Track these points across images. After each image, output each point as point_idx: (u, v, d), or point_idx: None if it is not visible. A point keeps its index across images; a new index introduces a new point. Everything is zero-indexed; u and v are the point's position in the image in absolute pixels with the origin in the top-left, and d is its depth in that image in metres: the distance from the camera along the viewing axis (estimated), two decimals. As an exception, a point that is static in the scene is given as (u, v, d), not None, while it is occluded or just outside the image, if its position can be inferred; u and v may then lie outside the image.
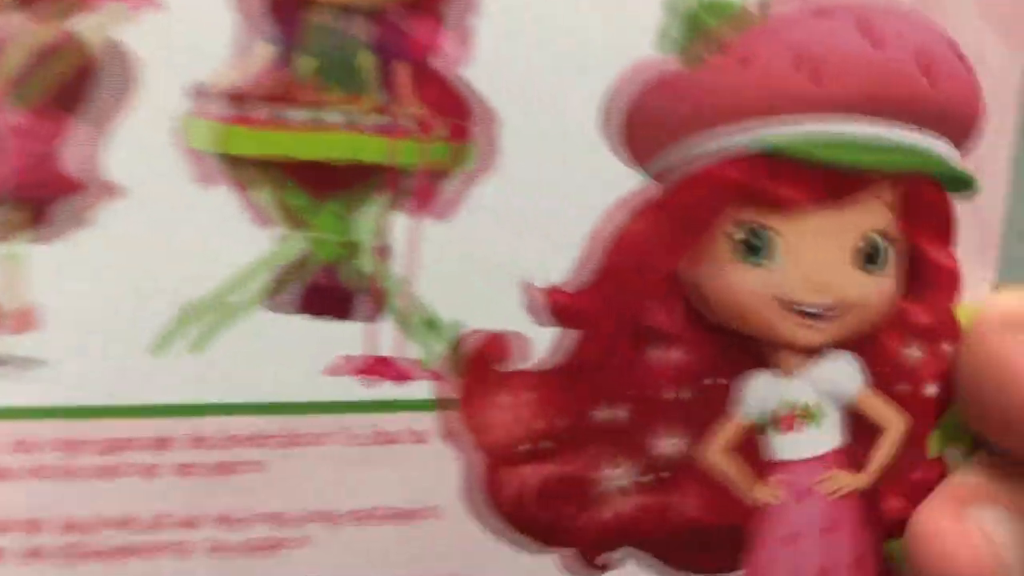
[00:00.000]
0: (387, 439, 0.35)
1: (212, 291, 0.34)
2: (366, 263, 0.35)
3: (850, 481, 0.36)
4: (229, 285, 0.34)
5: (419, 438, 0.35)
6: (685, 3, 0.34)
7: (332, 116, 0.34)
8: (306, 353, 0.34)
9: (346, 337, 0.35)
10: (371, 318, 0.35)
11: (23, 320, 0.33)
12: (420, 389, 0.35)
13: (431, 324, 0.35)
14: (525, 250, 0.35)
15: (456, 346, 0.35)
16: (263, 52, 0.33)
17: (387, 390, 0.35)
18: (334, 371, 0.34)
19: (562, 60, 0.34)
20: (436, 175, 0.34)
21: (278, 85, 0.34)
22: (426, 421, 0.35)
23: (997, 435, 0.35)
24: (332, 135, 0.33)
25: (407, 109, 0.34)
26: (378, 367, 0.35)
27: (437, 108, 0.34)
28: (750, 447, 0.36)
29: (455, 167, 0.34)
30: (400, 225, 0.34)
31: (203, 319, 0.34)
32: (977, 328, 0.36)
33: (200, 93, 0.33)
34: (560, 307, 0.34)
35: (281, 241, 0.34)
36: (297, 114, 0.33)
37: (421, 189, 0.34)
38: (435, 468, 0.35)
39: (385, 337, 0.35)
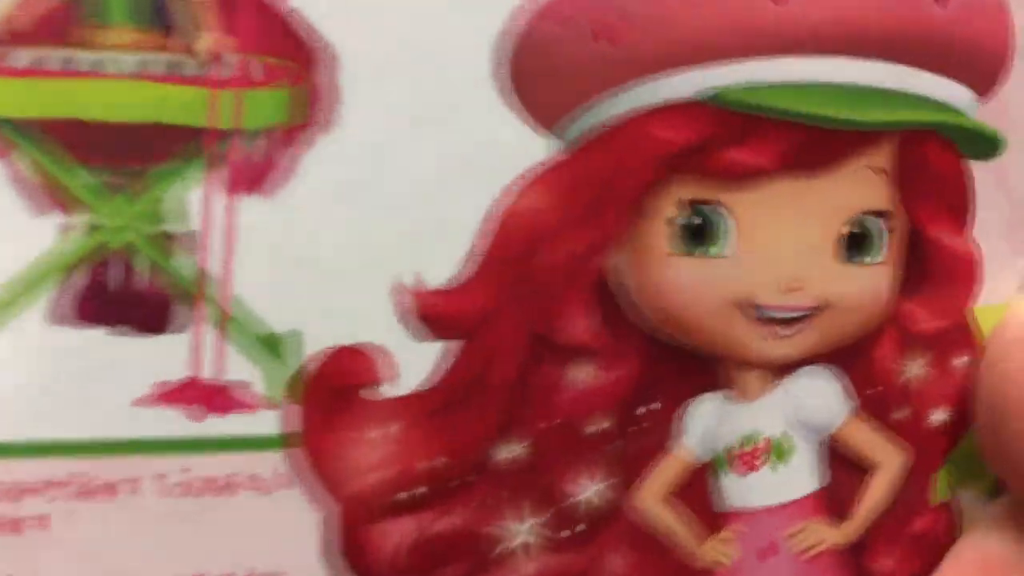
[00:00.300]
0: (219, 487, 0.26)
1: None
2: (171, 258, 0.25)
3: (830, 534, 0.27)
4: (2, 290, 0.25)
5: (261, 485, 0.26)
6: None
7: (119, 61, 0.24)
8: (109, 378, 0.25)
9: (162, 357, 0.25)
10: (193, 331, 0.25)
11: None
12: (263, 423, 0.26)
13: (265, 338, 0.25)
14: (386, 237, 0.25)
15: (279, 366, 0.25)
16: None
17: (219, 425, 0.26)
18: (146, 401, 0.25)
19: None
20: (256, 137, 0.24)
21: (49, 21, 0.24)
22: (270, 463, 0.26)
23: (1020, 484, 0.26)
24: (118, 85, 0.24)
25: (212, 48, 0.24)
26: (205, 395, 0.26)
27: (253, 45, 0.24)
28: (697, 492, 0.27)
29: (278, 124, 0.24)
30: (211, 206, 0.25)
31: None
32: (1002, 338, 0.26)
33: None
34: (431, 312, 0.25)
35: (65, 232, 0.25)
36: (73, 58, 0.24)
37: (237, 156, 0.25)
38: (283, 522, 0.26)
39: (214, 356, 0.26)
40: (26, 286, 0.25)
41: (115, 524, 0.26)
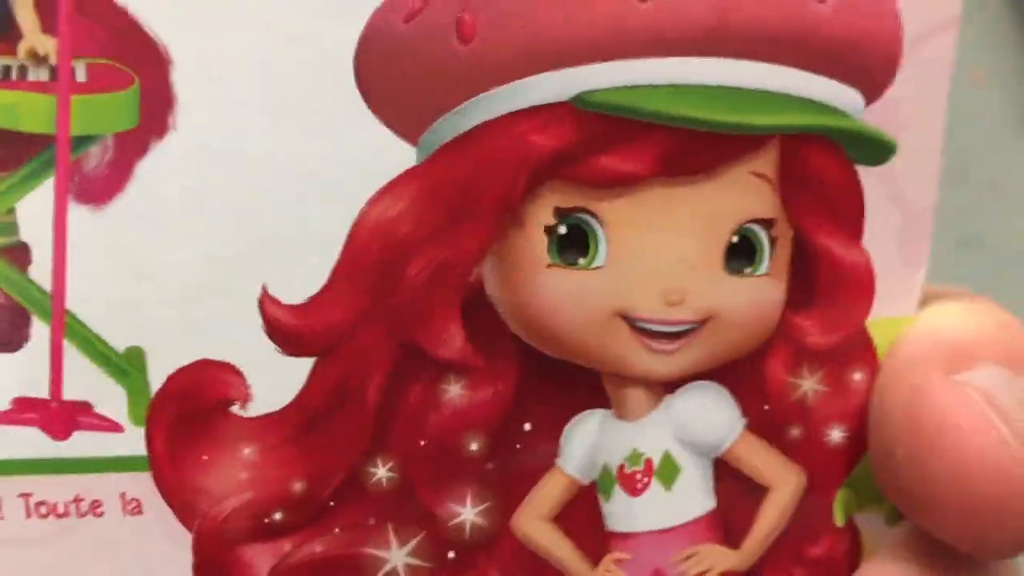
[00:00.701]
0: (87, 509, 0.24)
1: None
2: (22, 272, 0.23)
3: (722, 559, 0.25)
4: None
5: (132, 507, 0.24)
6: None
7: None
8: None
9: (19, 374, 0.24)
10: (50, 348, 0.24)
11: None
12: (129, 442, 0.24)
13: (118, 356, 0.23)
14: (233, 249, 0.23)
15: (137, 383, 0.23)
16: None
17: (84, 444, 0.24)
18: (7, 419, 0.23)
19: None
20: (83, 143, 0.23)
21: None
22: (139, 484, 0.24)
23: (912, 512, 0.23)
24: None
25: (30, 47, 0.22)
26: (63, 414, 0.24)
27: (74, 44, 0.22)
28: (581, 514, 0.24)
29: (108, 130, 0.22)
30: (38, 215, 0.23)
31: None
32: (898, 359, 0.24)
33: None
34: (282, 328, 0.23)
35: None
36: None
37: (63, 164, 0.23)
38: (154, 546, 0.24)
39: (72, 374, 0.24)
40: None
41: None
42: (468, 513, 0.25)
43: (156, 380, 0.24)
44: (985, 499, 0.23)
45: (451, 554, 0.25)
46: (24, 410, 0.24)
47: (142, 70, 0.22)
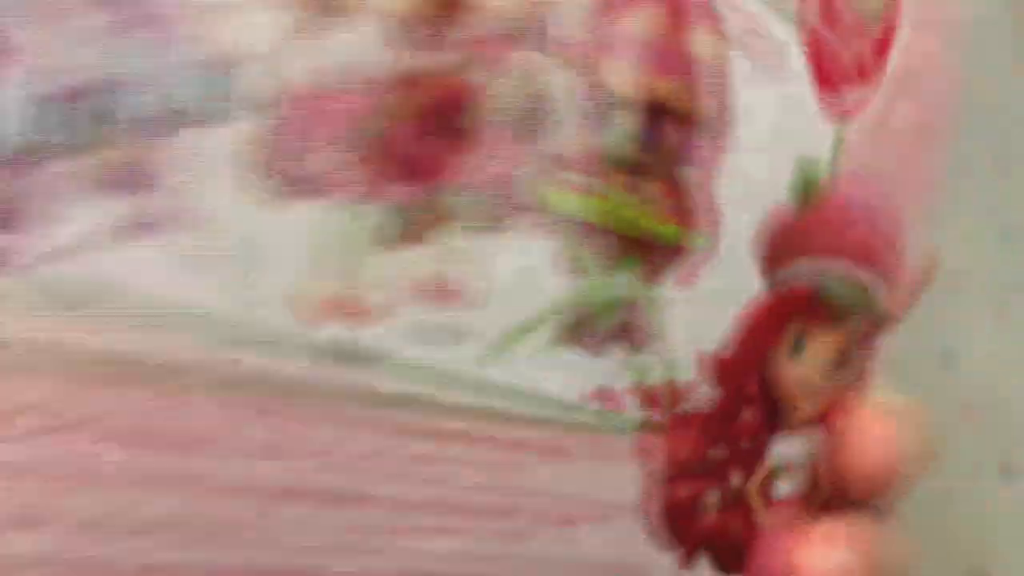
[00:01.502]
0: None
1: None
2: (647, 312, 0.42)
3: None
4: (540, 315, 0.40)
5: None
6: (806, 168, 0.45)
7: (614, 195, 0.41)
8: (571, 378, 0.41)
9: (601, 369, 0.42)
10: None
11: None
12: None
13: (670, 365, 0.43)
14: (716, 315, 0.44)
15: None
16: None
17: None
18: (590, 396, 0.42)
19: (742, 193, 0.45)
20: (681, 252, 0.43)
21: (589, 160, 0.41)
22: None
23: None
24: (628, 210, 0.41)
25: (664, 198, 0.42)
26: (642, 396, 0.43)
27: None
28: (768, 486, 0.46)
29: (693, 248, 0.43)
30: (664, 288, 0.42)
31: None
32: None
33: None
34: (721, 369, 0.44)
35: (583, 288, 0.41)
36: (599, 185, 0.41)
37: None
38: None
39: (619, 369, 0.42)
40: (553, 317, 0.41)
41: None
42: (738, 479, 0.45)
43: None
44: None
45: (730, 499, 0.45)
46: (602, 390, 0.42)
47: (707, 222, 0.44)
